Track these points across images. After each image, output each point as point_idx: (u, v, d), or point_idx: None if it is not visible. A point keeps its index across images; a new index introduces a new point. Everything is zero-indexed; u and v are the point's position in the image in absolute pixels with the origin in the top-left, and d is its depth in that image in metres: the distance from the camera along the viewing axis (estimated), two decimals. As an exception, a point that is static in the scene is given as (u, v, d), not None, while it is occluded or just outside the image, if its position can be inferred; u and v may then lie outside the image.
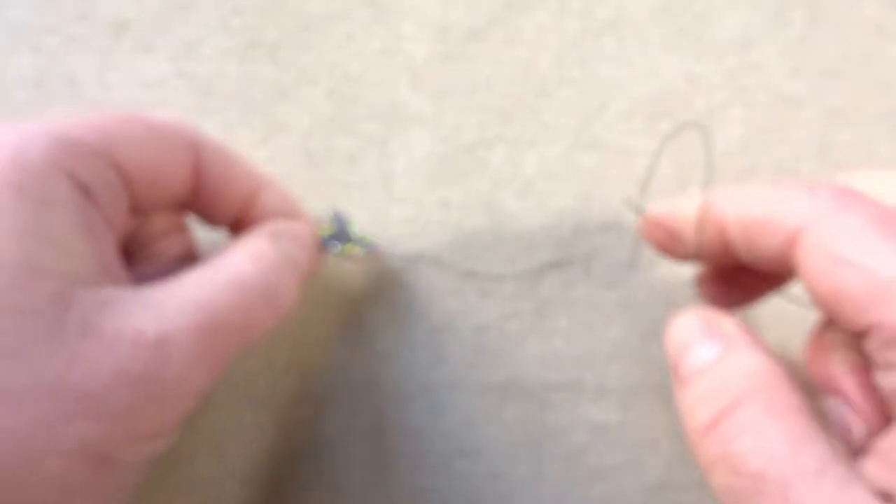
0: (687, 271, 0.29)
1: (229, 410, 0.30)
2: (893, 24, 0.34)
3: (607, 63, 0.33)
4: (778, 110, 0.33)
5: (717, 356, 0.22)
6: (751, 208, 0.23)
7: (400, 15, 0.33)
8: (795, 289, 0.25)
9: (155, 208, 0.24)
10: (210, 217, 0.26)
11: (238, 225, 0.26)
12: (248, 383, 0.30)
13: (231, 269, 0.22)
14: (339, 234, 0.30)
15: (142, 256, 0.26)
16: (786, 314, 0.28)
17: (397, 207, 0.32)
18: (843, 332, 0.22)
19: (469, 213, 0.32)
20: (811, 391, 0.22)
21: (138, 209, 0.23)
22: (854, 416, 0.22)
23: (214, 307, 0.21)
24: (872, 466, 0.19)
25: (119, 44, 0.32)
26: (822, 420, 0.21)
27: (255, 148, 0.32)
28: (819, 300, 0.21)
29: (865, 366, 0.22)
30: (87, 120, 0.22)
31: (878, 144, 0.33)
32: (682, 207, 0.25)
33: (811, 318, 0.24)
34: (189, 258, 0.27)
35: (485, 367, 0.30)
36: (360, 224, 0.31)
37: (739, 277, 0.26)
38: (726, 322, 0.23)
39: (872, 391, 0.22)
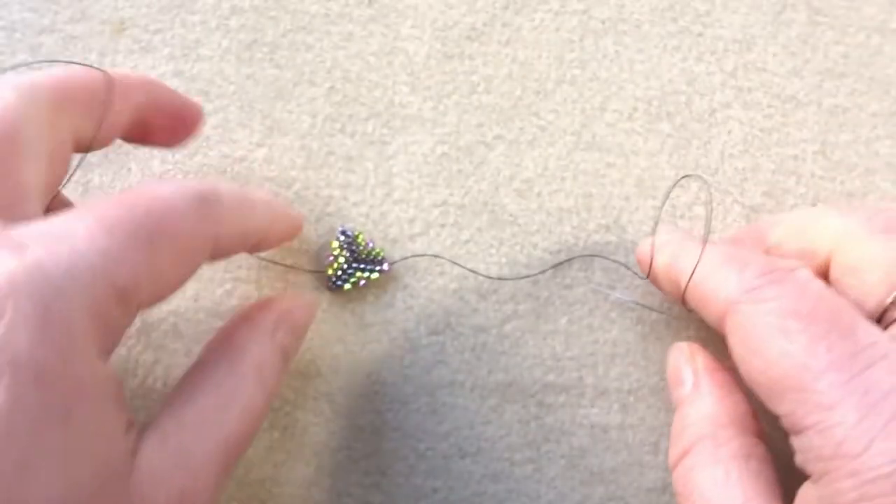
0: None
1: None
2: (894, 24, 0.34)
3: (607, 63, 0.33)
4: (778, 110, 0.33)
5: (686, 396, 0.26)
6: (696, 278, 0.25)
7: (399, 15, 0.33)
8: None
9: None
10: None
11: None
12: (247, 384, 0.30)
13: (242, 398, 0.23)
14: (349, 252, 0.30)
15: None
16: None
17: (396, 208, 0.31)
18: None
19: (468, 213, 0.32)
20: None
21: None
22: None
23: (233, 442, 0.22)
24: None
25: (117, 44, 0.32)
26: (765, 460, 0.23)
27: (254, 148, 0.32)
28: (743, 379, 0.23)
29: None
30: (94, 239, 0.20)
31: (879, 144, 0.33)
32: (665, 257, 0.27)
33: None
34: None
35: (484, 368, 0.30)
36: (360, 224, 0.31)
37: None
38: (698, 359, 0.26)
39: None
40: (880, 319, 0.23)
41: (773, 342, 0.21)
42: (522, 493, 0.30)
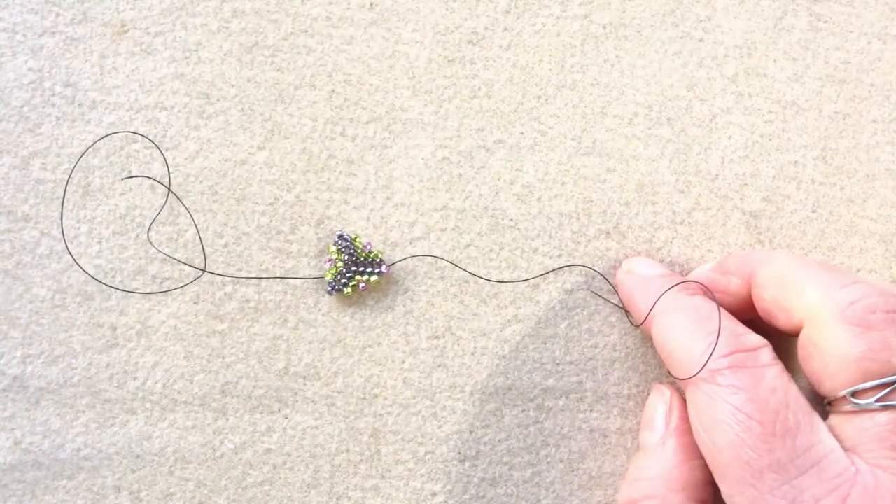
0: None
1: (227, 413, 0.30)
2: (894, 30, 0.34)
3: (608, 68, 0.33)
4: (779, 116, 0.33)
5: (651, 446, 0.27)
6: (663, 341, 0.27)
7: (400, 19, 0.33)
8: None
9: None
10: None
11: None
12: (246, 387, 0.30)
13: None
14: (347, 255, 0.30)
15: None
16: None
17: (397, 212, 0.31)
18: None
19: (469, 217, 0.32)
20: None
21: None
22: None
23: None
24: None
25: (118, 46, 0.32)
26: None
27: (255, 151, 0.32)
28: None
29: None
30: None
31: (879, 151, 0.33)
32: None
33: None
34: None
35: (484, 372, 0.30)
36: (360, 228, 0.31)
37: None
38: (675, 414, 0.27)
39: None
40: (830, 403, 0.24)
41: (726, 430, 0.22)
42: (521, 497, 0.30)
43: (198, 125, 0.32)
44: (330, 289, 0.30)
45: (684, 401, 0.27)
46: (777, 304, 0.25)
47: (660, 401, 0.28)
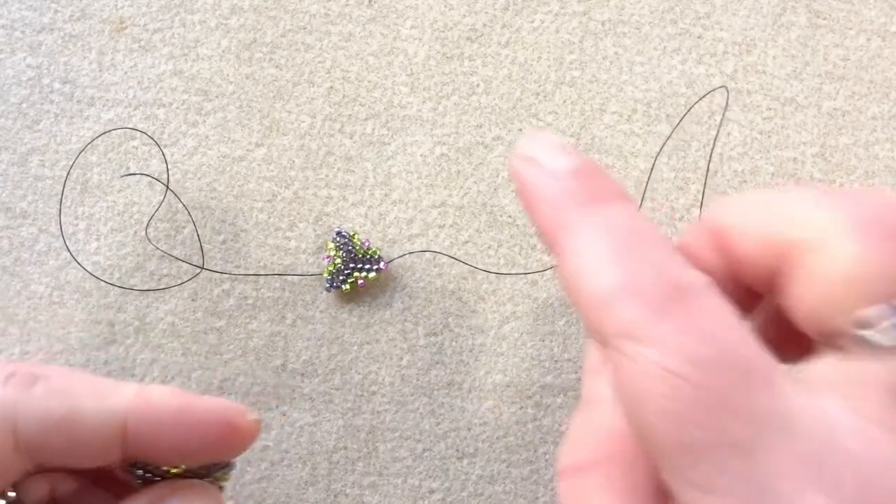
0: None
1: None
2: (893, 27, 0.34)
3: (607, 65, 0.33)
4: (778, 113, 0.33)
5: (602, 396, 0.20)
6: (580, 297, 0.18)
7: (399, 15, 0.33)
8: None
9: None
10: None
11: None
12: (244, 383, 0.30)
13: None
14: (345, 252, 0.30)
15: None
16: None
17: (395, 208, 0.31)
18: None
19: (467, 214, 0.32)
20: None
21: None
22: None
23: None
24: None
25: (117, 42, 0.32)
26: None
27: (253, 148, 0.32)
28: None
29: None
30: None
31: (878, 147, 0.33)
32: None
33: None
34: None
35: (482, 369, 0.30)
36: (358, 225, 0.31)
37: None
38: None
39: None
40: (825, 340, 0.17)
41: (655, 400, 0.16)
42: (520, 494, 0.30)
43: (196, 122, 0.32)
44: (328, 285, 0.30)
45: None
46: (764, 248, 0.18)
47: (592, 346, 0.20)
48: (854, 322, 0.16)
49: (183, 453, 0.21)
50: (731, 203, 0.19)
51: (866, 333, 0.16)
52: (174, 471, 0.21)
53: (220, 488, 0.21)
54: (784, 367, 0.16)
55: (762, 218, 0.18)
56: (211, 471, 0.21)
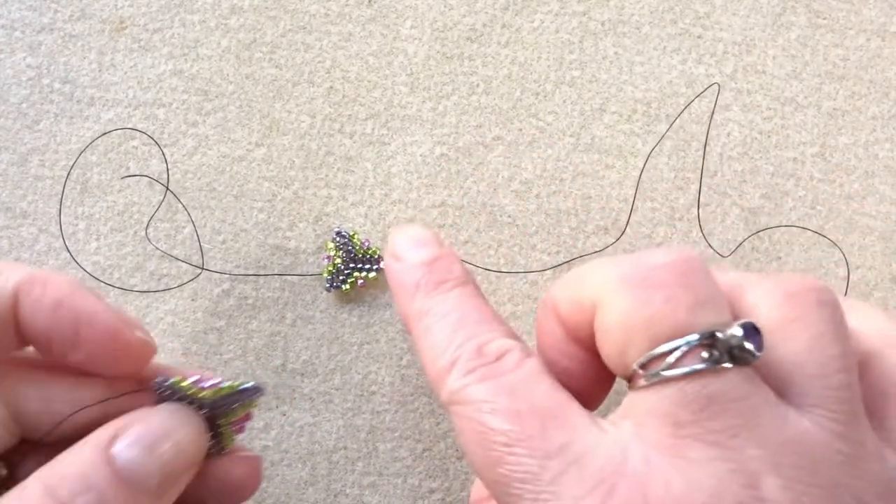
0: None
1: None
2: (893, 27, 0.34)
3: (607, 65, 0.33)
4: (778, 113, 0.33)
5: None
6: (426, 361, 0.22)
7: (399, 15, 0.33)
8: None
9: None
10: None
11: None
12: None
13: None
14: (344, 252, 0.30)
15: None
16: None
17: (395, 208, 0.31)
18: None
19: (467, 214, 0.32)
20: None
21: None
22: None
23: None
24: None
25: (117, 42, 0.32)
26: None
27: (253, 148, 0.32)
28: None
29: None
30: None
31: (878, 147, 0.33)
32: None
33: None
34: None
35: (482, 369, 0.30)
36: (358, 225, 0.31)
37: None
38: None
39: None
40: (629, 383, 0.20)
41: (474, 449, 0.19)
42: (519, 494, 0.30)
43: (196, 122, 0.32)
44: (328, 285, 0.30)
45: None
46: (575, 307, 0.21)
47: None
48: (635, 363, 0.19)
49: (75, 346, 0.22)
50: (560, 280, 0.22)
51: (640, 371, 0.19)
52: (202, 394, 0.22)
53: (248, 416, 0.23)
54: (585, 411, 0.20)
55: (573, 288, 0.21)
56: (240, 397, 0.22)
